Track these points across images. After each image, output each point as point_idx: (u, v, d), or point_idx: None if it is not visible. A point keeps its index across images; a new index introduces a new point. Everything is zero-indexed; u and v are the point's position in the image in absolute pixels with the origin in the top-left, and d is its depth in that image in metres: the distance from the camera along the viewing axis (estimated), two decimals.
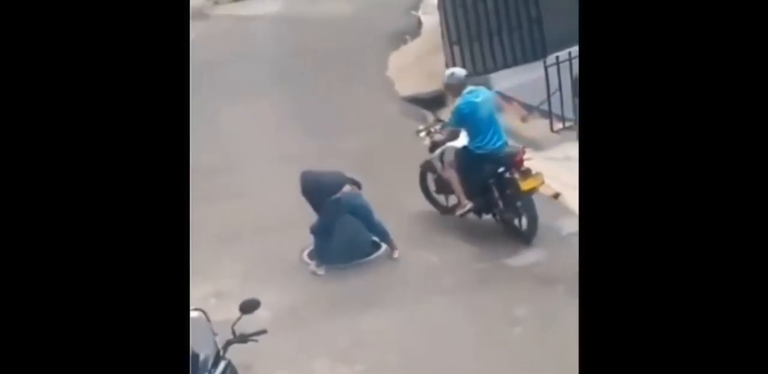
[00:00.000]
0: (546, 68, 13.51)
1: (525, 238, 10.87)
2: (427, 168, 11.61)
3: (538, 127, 13.72)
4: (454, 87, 11.00)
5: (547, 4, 15.11)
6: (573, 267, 10.28)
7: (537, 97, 13.82)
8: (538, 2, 15.21)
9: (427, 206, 11.79)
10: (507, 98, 14.53)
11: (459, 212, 11.19)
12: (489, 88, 14.70)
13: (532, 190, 10.64)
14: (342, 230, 10.91)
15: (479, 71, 15.25)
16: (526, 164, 10.85)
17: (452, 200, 11.47)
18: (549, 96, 13.53)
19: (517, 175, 10.61)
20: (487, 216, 11.27)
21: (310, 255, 11.14)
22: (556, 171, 12.32)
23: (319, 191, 10.72)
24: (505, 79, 14.93)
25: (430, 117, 14.03)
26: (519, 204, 10.83)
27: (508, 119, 13.97)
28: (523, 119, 14.04)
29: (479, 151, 10.78)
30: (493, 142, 10.75)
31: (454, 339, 9.48)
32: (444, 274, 10.69)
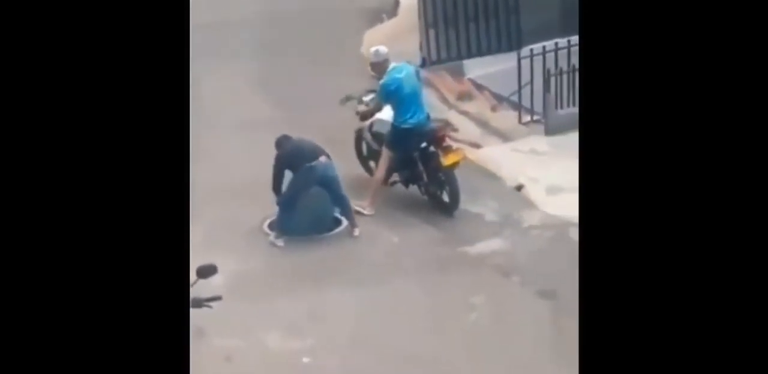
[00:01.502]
0: (519, 60, 13.52)
1: (448, 210, 11.37)
2: (360, 136, 12.06)
3: (506, 117, 13.73)
4: (379, 65, 11.44)
5: None
6: (530, 259, 10.52)
7: (508, 88, 13.81)
8: None
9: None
10: (478, 86, 14.57)
11: (387, 182, 11.65)
12: (462, 74, 14.87)
13: (454, 165, 11.15)
14: (307, 202, 10.93)
15: (453, 56, 15.23)
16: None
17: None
18: (520, 88, 13.55)
19: (439, 151, 11.09)
20: (413, 187, 11.68)
21: (271, 226, 11.14)
22: (521, 163, 12.45)
23: (296, 157, 10.80)
24: (478, 67, 14.93)
25: None
26: (443, 177, 11.30)
27: (479, 107, 14.17)
28: (493, 108, 14.06)
29: (404, 126, 11.26)
30: (416, 116, 11.25)
31: (409, 321, 9.55)
32: (404, 255, 10.76)
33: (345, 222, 11.13)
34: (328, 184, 10.91)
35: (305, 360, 9.02)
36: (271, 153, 11.09)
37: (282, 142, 10.89)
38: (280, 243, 10.90)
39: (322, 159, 10.82)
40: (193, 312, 7.65)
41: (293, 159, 10.81)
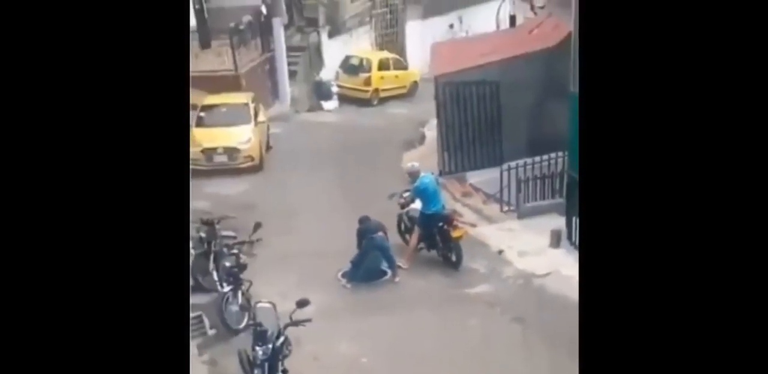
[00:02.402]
0: (501, 172, 13.49)
1: (454, 266, 11.16)
2: (400, 219, 11.99)
3: (493, 208, 13.62)
4: (414, 173, 11.55)
5: (506, 129, 15.08)
6: (507, 297, 10.42)
7: (494, 189, 13.80)
8: (500, 128, 15.27)
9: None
10: (475, 188, 14.50)
11: (417, 248, 11.50)
12: (465, 180, 14.94)
13: (459, 237, 11.07)
14: (368, 261, 10.92)
15: (459, 169, 15.24)
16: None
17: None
18: (501, 189, 13.53)
19: (450, 228, 11.05)
20: (433, 251, 11.53)
21: (344, 275, 11.03)
22: (502, 236, 12.32)
23: (367, 230, 10.94)
24: (475, 176, 14.87)
25: None
26: (452, 245, 11.18)
27: (475, 201, 14.03)
28: (484, 202, 13.99)
29: (428, 212, 11.21)
30: (436, 207, 11.20)
31: (429, 336, 9.43)
32: (428, 294, 10.63)
33: (389, 273, 11.03)
34: (383, 250, 10.94)
35: (363, 360, 8.92)
36: (346, 229, 11.16)
37: (362, 220, 11.05)
38: (348, 285, 10.85)
39: (380, 233, 10.90)
40: (293, 329, 7.80)
41: (366, 232, 10.92)
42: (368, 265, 10.93)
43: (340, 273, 11.07)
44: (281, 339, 7.80)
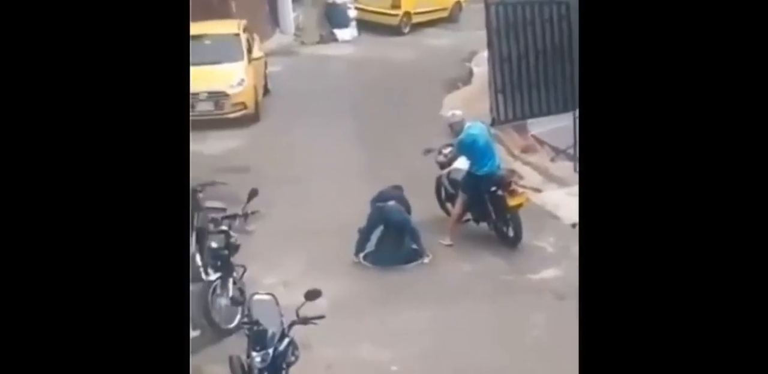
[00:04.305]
0: (575, 119, 13.45)
1: (511, 243, 11.31)
2: (440, 182, 12.08)
3: (563, 167, 13.64)
4: (456, 124, 11.50)
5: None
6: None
7: (565, 143, 13.77)
8: (573, 62, 15.16)
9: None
10: (540, 141, 14.53)
11: (461, 220, 11.62)
12: (526, 131, 14.89)
13: (518, 206, 11.10)
14: (387, 238, 11.07)
15: (518, 116, 15.25)
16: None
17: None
18: (576, 142, 13.46)
19: (506, 194, 11.03)
20: (483, 224, 11.64)
21: (365, 257, 11.15)
22: (576, 205, 12.27)
23: (376, 199, 11.08)
24: (539, 125, 14.93)
25: None
26: (508, 216, 11.24)
27: (540, 158, 14.13)
28: (552, 159, 14.02)
29: (478, 173, 11.24)
30: (489, 165, 11.23)
31: (480, 336, 9.47)
32: (475, 281, 10.69)
33: (426, 257, 11.09)
34: (398, 224, 11.02)
35: (393, 368, 8.95)
36: (367, 198, 11.23)
37: (381, 192, 11.18)
38: (356, 259, 11.02)
39: (391, 203, 10.95)
40: (301, 328, 7.83)
41: (376, 200, 11.08)
42: (392, 244, 11.04)
43: (361, 255, 11.13)
44: (285, 341, 7.83)
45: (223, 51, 16.26)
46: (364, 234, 11.09)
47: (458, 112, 11.88)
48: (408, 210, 11.17)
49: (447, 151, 11.87)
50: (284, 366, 7.82)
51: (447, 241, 11.42)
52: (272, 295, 8.09)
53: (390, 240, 11.10)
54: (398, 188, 11.32)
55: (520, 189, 11.53)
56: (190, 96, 15.16)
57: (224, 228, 9.99)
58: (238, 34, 16.81)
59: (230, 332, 9.33)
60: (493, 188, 11.21)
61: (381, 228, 11.10)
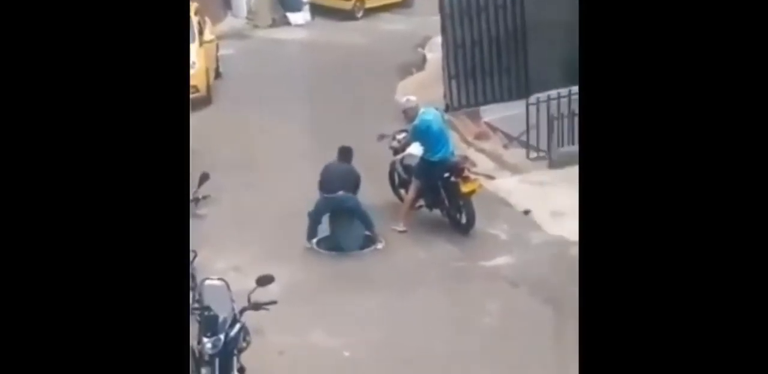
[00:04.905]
0: (527, 106, 13.49)
1: (464, 230, 11.30)
2: (393, 168, 12.08)
3: (516, 154, 13.65)
4: (411, 110, 11.52)
5: (533, 51, 15.08)
6: (537, 272, 10.47)
7: (517, 129, 13.78)
8: (526, 49, 15.19)
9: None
10: (493, 128, 14.51)
11: (414, 206, 11.65)
12: (479, 118, 14.88)
13: (471, 193, 11.11)
14: (338, 224, 11.05)
15: (471, 103, 15.26)
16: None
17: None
18: (528, 129, 13.51)
19: (459, 180, 11.05)
20: (436, 210, 11.64)
21: (318, 243, 11.14)
22: (528, 192, 12.39)
23: (323, 188, 10.99)
24: (492, 112, 14.90)
25: None
26: (461, 202, 11.24)
27: (493, 145, 14.12)
28: (505, 146, 14.02)
29: (432, 159, 11.25)
30: (442, 152, 11.27)
31: (432, 323, 9.49)
32: (429, 268, 10.70)
33: (379, 243, 11.10)
34: (350, 212, 10.98)
35: (346, 353, 8.96)
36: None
37: (325, 167, 11.10)
38: (308, 245, 10.98)
39: (340, 193, 10.86)
40: (253, 314, 7.77)
41: (322, 186, 10.99)
42: (344, 231, 11.02)
43: (314, 241, 11.09)
44: (236, 327, 7.78)
45: None
46: (314, 219, 11.03)
47: (413, 98, 11.87)
48: (357, 183, 11.02)
49: (401, 136, 11.84)
50: (236, 352, 7.78)
51: (400, 227, 11.39)
52: (224, 280, 8.04)
53: (342, 226, 11.06)
54: (345, 154, 11.16)
55: (473, 176, 11.52)
56: None
57: None
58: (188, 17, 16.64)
59: None
60: (447, 174, 11.21)
61: (328, 214, 11.07)
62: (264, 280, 7.71)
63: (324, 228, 11.12)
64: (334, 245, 11.05)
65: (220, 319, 7.66)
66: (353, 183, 11.03)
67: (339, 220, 11.07)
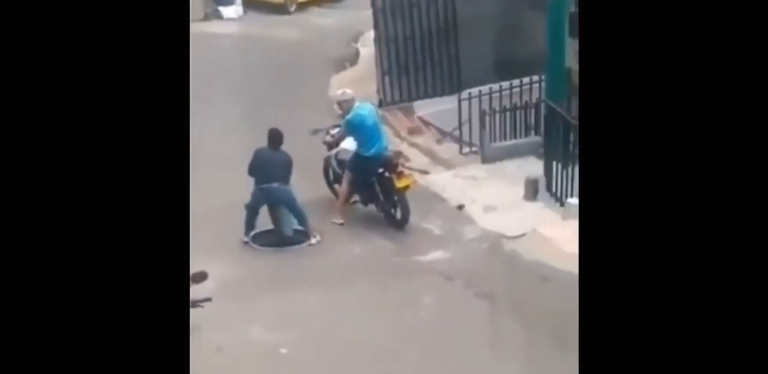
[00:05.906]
0: (460, 101, 13.56)
1: (399, 225, 11.30)
2: (328, 163, 12.02)
3: (449, 149, 13.71)
4: (346, 103, 11.52)
5: (465, 46, 15.14)
6: (470, 266, 10.53)
7: (450, 125, 13.85)
8: (457, 44, 15.25)
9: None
10: (426, 123, 14.56)
11: (349, 201, 11.64)
12: (412, 113, 14.92)
13: (405, 188, 11.09)
14: (276, 217, 10.98)
15: (404, 98, 15.28)
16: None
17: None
18: (460, 125, 13.58)
19: (393, 175, 11.05)
20: (370, 206, 11.62)
21: (254, 239, 11.08)
22: (461, 187, 12.45)
23: (253, 174, 10.90)
24: (426, 107, 14.95)
25: None
26: (396, 198, 11.22)
27: (426, 140, 14.16)
28: (438, 141, 14.08)
29: (365, 154, 11.24)
30: (376, 147, 11.24)
31: (369, 318, 9.49)
32: (364, 263, 10.71)
33: (313, 239, 11.03)
34: (284, 205, 10.90)
35: (282, 350, 8.93)
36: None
37: (256, 152, 10.98)
38: (245, 238, 10.96)
39: (275, 185, 10.75)
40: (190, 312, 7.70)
41: (254, 173, 10.86)
42: (277, 223, 10.97)
43: (248, 236, 11.03)
44: None
45: None
46: (251, 211, 10.96)
47: (349, 91, 11.82)
48: (290, 170, 10.87)
49: (335, 131, 11.81)
50: None
51: (339, 220, 11.39)
52: None
53: (279, 219, 10.99)
54: (276, 138, 10.96)
55: (407, 171, 11.55)
56: None
57: None
58: None
59: None
60: (381, 170, 11.20)
61: (265, 206, 11.01)
62: (198, 277, 7.56)
63: (263, 221, 11.04)
64: (270, 239, 10.98)
65: None
66: (287, 171, 10.89)
67: (275, 213, 11.00)
